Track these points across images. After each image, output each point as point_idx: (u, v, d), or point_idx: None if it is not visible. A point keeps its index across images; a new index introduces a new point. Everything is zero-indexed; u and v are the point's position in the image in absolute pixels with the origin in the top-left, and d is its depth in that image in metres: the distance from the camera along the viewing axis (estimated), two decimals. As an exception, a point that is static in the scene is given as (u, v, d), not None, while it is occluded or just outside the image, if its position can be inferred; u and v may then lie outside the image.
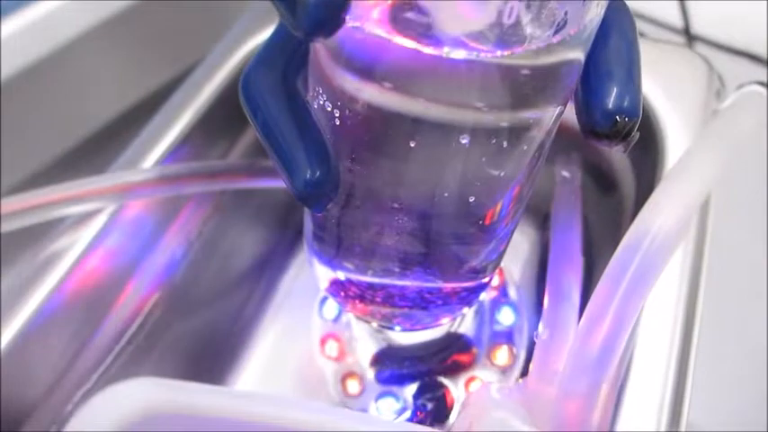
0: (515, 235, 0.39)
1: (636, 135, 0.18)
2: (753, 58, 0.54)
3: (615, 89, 0.18)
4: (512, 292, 0.34)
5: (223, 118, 0.33)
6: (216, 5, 0.45)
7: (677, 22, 0.51)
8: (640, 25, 0.53)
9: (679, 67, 0.34)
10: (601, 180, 0.35)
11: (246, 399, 0.15)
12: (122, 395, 0.13)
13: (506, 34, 0.17)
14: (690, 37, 0.52)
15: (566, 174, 0.32)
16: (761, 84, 0.26)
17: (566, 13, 0.18)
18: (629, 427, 0.23)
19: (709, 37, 0.54)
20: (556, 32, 0.17)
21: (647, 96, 0.32)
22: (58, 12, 0.39)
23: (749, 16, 0.54)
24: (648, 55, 0.33)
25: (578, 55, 0.18)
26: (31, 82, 0.38)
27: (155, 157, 0.31)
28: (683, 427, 0.23)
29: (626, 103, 0.18)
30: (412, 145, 0.18)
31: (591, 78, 0.18)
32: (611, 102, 0.18)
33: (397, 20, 0.15)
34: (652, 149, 0.31)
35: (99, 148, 0.41)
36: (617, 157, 0.33)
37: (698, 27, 0.52)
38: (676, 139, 0.31)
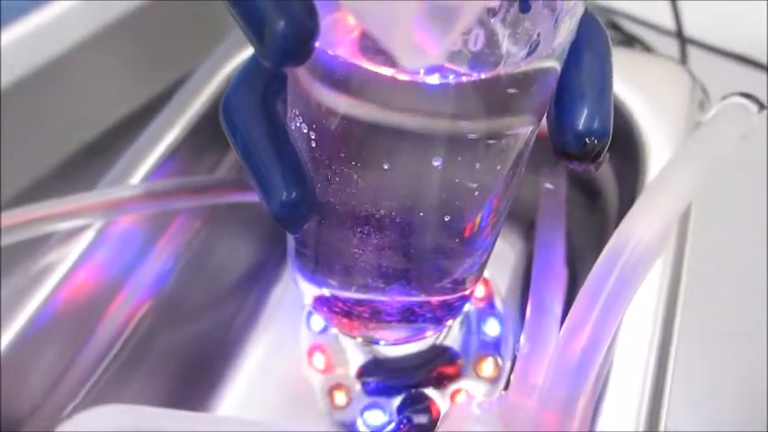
0: (502, 245, 0.39)
1: (606, 156, 0.18)
2: (745, 60, 0.54)
3: (586, 111, 0.18)
4: (498, 304, 0.35)
5: (211, 133, 0.34)
6: (208, 17, 0.45)
7: (671, 25, 0.51)
8: (634, 28, 0.54)
9: (662, 79, 0.34)
10: (585, 190, 0.35)
11: (210, 423, 0.15)
12: (90, 423, 0.13)
13: (483, 54, 0.18)
14: (682, 40, 0.52)
15: (550, 186, 0.33)
16: (744, 95, 0.26)
17: (538, 35, 0.18)
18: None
19: (702, 40, 0.55)
20: (529, 54, 0.18)
21: (630, 108, 0.32)
22: (53, 21, 0.39)
23: (741, 19, 0.55)
24: (632, 66, 0.34)
25: (554, 64, 0.18)
26: (26, 92, 0.38)
27: (143, 172, 0.31)
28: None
29: (596, 125, 0.18)
30: (388, 163, 0.19)
31: (563, 99, 0.19)
32: (581, 123, 0.18)
33: (369, 46, 0.16)
34: (635, 160, 0.31)
35: (96, 157, 0.41)
36: (601, 169, 0.34)
37: (691, 30, 0.53)
38: (659, 150, 0.31)
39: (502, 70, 0.17)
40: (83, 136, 0.42)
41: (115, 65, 0.44)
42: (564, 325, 0.21)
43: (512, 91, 0.17)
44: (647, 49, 0.53)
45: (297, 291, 0.27)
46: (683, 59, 0.51)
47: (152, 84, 0.43)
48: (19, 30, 0.38)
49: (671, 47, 0.51)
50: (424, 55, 0.12)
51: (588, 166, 0.18)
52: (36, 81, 0.38)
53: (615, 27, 0.56)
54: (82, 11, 0.40)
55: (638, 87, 0.33)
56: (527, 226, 0.39)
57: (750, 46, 0.54)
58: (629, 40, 0.55)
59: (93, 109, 0.43)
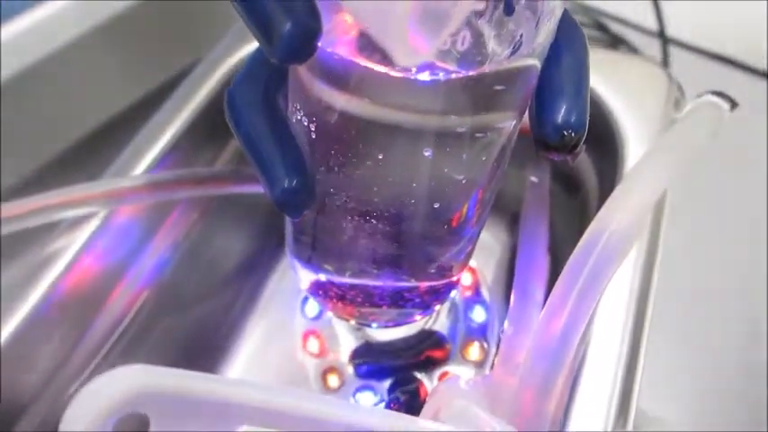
0: (488, 238, 0.41)
1: (582, 147, 0.20)
2: (729, 62, 0.56)
3: (564, 106, 0.19)
4: (484, 292, 0.36)
5: (210, 127, 0.35)
6: (207, 14, 0.46)
7: (654, 25, 0.53)
8: (621, 30, 0.55)
9: (640, 78, 0.36)
10: (567, 184, 0.37)
11: (230, 384, 0.17)
12: (118, 379, 0.15)
13: (470, 53, 0.19)
14: (664, 40, 0.53)
15: (534, 179, 0.34)
16: (717, 93, 0.28)
17: (521, 36, 0.19)
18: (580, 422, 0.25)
19: (687, 42, 0.56)
20: (512, 54, 0.19)
21: (609, 106, 0.34)
22: (52, 17, 0.39)
23: (727, 21, 0.56)
24: (613, 67, 0.36)
25: (534, 62, 0.19)
26: (25, 86, 0.39)
27: (145, 165, 0.32)
28: (629, 423, 0.25)
29: (573, 119, 0.19)
30: (381, 154, 0.20)
31: (543, 95, 0.20)
32: (560, 117, 0.19)
33: (365, 46, 0.17)
34: (613, 155, 0.33)
35: (94, 151, 0.42)
36: (582, 164, 0.35)
37: (677, 32, 0.54)
38: (636, 145, 0.32)
39: (487, 68, 0.18)
40: (77, 133, 0.42)
41: (108, 63, 0.44)
42: (544, 309, 0.23)
43: (496, 87, 0.19)
44: (632, 50, 0.55)
45: (292, 279, 0.28)
46: (666, 60, 0.52)
47: (145, 82, 0.44)
48: (14, 27, 0.38)
49: (657, 48, 0.53)
50: (416, 53, 0.13)
51: (566, 157, 0.20)
52: (32, 78, 0.39)
53: (602, 28, 0.57)
54: (77, 10, 0.41)
55: (618, 87, 0.35)
56: (511, 220, 0.41)
57: (736, 48, 0.56)
58: (615, 42, 0.56)
59: (87, 107, 0.43)
